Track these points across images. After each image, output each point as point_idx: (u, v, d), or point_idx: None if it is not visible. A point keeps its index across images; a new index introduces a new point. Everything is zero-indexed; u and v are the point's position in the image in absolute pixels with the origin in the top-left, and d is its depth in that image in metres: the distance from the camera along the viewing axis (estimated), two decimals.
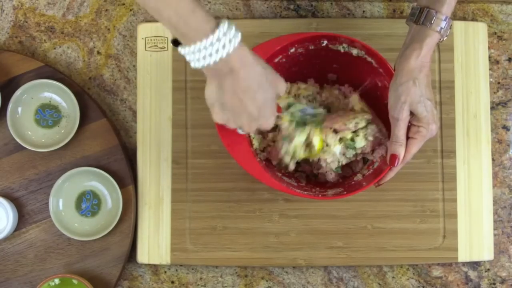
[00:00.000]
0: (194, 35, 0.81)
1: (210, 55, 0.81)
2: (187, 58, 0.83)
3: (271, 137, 1.09)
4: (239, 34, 0.83)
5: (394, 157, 0.97)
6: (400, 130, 0.96)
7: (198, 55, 0.82)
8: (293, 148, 1.04)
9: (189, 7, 0.79)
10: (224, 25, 0.81)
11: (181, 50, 0.83)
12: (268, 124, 0.93)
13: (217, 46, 0.81)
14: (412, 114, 0.95)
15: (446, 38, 0.96)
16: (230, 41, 0.81)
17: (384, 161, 1.03)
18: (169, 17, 0.80)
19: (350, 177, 1.08)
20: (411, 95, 0.94)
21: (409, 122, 0.96)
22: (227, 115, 0.90)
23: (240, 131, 0.97)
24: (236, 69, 0.84)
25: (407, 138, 0.97)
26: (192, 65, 0.83)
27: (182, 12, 0.79)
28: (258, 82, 0.87)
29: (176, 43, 0.84)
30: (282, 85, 0.93)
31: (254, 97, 0.88)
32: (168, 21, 0.80)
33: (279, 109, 1.00)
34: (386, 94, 0.99)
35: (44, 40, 1.19)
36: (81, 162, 1.15)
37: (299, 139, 1.04)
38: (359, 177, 1.07)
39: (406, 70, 0.94)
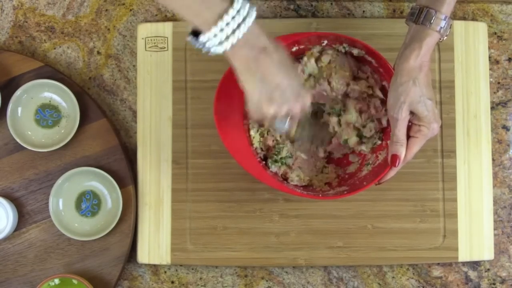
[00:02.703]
0: (214, 10, 0.80)
1: (233, 32, 0.80)
2: (209, 44, 0.81)
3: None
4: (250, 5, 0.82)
5: (395, 157, 0.97)
6: (400, 130, 0.96)
7: (220, 36, 0.80)
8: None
9: None
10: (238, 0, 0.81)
11: (202, 37, 0.81)
12: (309, 98, 0.92)
13: (237, 20, 0.80)
14: (412, 113, 0.95)
15: (446, 37, 0.96)
16: (248, 14, 0.81)
17: (384, 160, 1.03)
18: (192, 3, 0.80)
19: (350, 177, 1.08)
20: (410, 95, 0.94)
21: (410, 121, 0.96)
22: (276, 99, 0.87)
23: (284, 126, 0.94)
24: (267, 43, 0.83)
25: (409, 137, 0.97)
26: (219, 50, 0.82)
27: None
28: (286, 55, 0.87)
29: (195, 34, 0.83)
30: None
31: (290, 69, 0.87)
32: (191, 6, 0.80)
33: None
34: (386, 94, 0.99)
35: (44, 40, 1.19)
36: (81, 162, 1.15)
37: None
38: (359, 176, 1.07)
39: (406, 70, 0.94)
